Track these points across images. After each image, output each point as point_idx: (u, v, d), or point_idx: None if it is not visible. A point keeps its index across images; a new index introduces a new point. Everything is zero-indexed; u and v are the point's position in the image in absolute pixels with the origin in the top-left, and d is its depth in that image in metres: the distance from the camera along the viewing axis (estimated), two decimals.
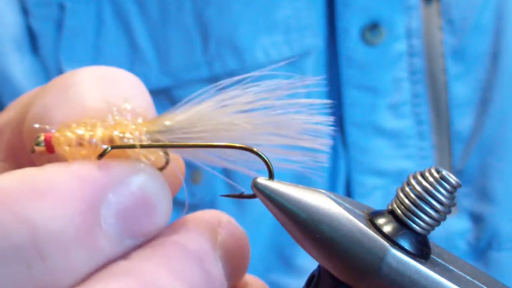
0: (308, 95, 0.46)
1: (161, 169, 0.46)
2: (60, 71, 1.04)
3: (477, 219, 1.02)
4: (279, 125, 0.46)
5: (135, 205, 0.43)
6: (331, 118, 0.46)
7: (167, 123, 0.46)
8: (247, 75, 0.47)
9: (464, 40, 1.03)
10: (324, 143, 0.46)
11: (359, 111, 1.05)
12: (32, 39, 1.07)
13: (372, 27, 1.04)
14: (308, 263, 1.04)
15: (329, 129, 0.46)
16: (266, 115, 0.46)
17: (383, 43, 1.04)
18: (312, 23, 1.04)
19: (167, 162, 0.47)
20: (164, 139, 0.46)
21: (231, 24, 1.03)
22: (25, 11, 1.06)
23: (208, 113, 0.46)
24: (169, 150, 0.47)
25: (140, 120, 0.46)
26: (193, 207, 1.04)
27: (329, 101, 0.47)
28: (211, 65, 1.03)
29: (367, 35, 1.04)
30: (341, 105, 1.05)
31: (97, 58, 1.05)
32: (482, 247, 1.01)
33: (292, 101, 0.46)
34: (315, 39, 1.05)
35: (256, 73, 0.46)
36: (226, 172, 0.94)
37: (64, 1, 1.05)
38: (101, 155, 0.44)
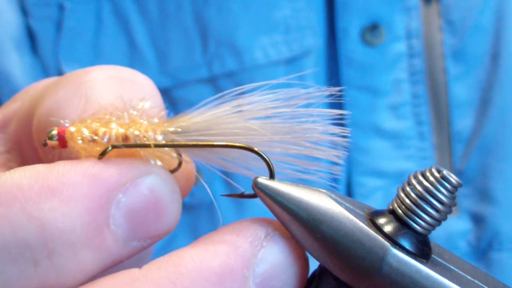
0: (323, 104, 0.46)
1: (173, 171, 0.46)
2: (59, 71, 1.04)
3: (477, 219, 1.02)
4: (295, 134, 0.45)
5: (144, 207, 0.42)
6: (348, 130, 0.46)
7: (183, 124, 0.45)
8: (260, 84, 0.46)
9: (464, 41, 1.03)
10: (339, 155, 0.46)
11: (359, 112, 1.04)
12: (32, 39, 1.06)
13: (372, 28, 1.04)
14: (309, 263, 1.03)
15: (345, 141, 0.46)
16: (282, 123, 0.45)
17: (383, 44, 1.04)
18: (311, 23, 1.04)
19: (179, 164, 0.46)
20: (179, 140, 0.45)
21: (230, 24, 1.03)
22: (24, 11, 1.06)
23: (225, 117, 0.45)
24: (182, 153, 0.46)
25: (155, 120, 0.45)
26: (192, 207, 1.04)
27: (346, 112, 0.46)
28: (210, 66, 1.03)
29: (367, 35, 1.04)
30: (341, 106, 1.04)
31: (96, 58, 1.04)
32: (483, 248, 1.01)
33: (309, 110, 0.46)
34: (315, 39, 1.04)
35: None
36: (226, 172, 0.94)
37: (63, 2, 1.05)
38: (102, 154, 0.43)
